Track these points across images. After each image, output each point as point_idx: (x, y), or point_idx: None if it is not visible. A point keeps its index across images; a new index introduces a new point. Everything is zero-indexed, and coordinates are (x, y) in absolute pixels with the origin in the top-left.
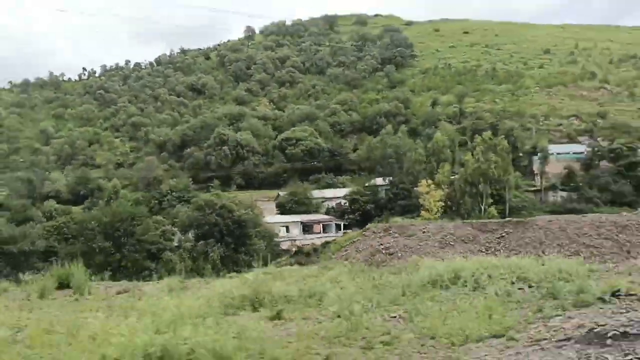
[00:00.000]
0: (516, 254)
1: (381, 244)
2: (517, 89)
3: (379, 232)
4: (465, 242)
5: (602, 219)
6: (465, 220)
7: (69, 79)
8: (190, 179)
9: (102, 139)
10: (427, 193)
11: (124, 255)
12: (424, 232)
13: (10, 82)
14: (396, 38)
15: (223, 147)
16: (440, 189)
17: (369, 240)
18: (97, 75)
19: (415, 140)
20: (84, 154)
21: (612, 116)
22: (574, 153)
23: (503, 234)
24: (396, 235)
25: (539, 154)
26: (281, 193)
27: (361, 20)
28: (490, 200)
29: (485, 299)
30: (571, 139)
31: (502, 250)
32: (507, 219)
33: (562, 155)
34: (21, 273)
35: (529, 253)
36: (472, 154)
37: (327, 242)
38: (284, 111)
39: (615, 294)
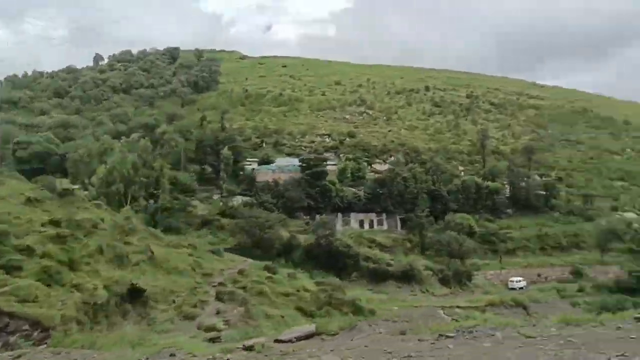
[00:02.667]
0: None
1: None
2: (289, 110)
3: None
4: None
5: None
6: None
7: None
8: None
9: None
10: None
11: None
12: None
13: None
14: (205, 66)
15: None
16: (86, 189)
17: None
18: None
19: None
20: None
21: (360, 136)
22: (299, 165)
23: None
24: None
25: (261, 165)
26: None
27: (198, 54)
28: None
29: None
30: (319, 154)
31: None
32: None
33: (288, 167)
34: None
35: None
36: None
37: None
38: None
39: None
